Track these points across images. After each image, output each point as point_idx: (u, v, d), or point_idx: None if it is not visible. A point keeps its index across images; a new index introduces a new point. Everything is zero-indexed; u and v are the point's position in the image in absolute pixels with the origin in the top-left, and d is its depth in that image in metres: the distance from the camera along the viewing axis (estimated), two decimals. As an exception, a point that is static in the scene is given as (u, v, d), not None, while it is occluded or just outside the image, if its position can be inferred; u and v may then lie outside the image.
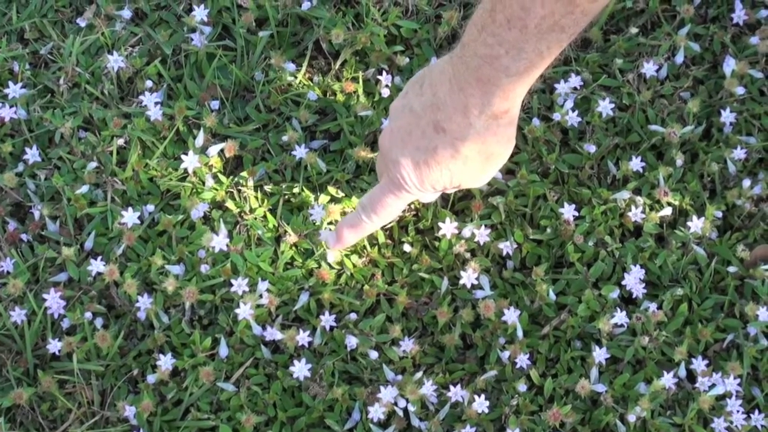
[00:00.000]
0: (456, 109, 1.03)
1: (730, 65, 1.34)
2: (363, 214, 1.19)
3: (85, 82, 1.36)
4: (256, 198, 1.29)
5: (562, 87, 1.32)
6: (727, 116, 1.32)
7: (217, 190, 1.29)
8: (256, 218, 1.28)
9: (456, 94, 1.02)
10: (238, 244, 1.25)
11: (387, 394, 1.19)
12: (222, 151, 1.29)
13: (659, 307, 1.24)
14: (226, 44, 1.38)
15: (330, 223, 1.26)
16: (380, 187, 1.16)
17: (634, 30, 1.38)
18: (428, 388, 1.19)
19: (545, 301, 1.24)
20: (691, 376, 1.23)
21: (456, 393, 1.19)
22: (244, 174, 1.29)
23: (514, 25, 0.93)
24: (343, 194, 1.29)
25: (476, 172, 1.09)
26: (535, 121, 1.31)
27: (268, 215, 1.28)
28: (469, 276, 1.23)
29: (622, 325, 1.23)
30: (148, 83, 1.35)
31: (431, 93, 1.06)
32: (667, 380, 1.19)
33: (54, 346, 1.21)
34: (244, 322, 1.21)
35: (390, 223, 1.27)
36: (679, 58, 1.36)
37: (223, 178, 1.29)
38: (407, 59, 1.36)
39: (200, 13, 1.35)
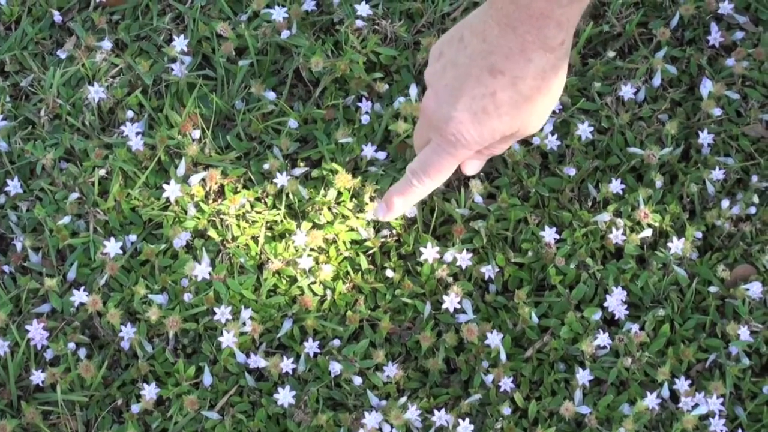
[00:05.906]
0: (512, 49, 1.01)
1: (706, 87, 1.35)
2: (414, 179, 1.15)
3: (66, 114, 1.36)
4: (238, 226, 1.29)
5: (541, 111, 1.33)
6: (705, 137, 1.33)
7: (199, 218, 1.29)
8: (238, 246, 1.28)
9: (510, 35, 1.01)
10: (220, 273, 1.25)
11: (371, 419, 1.19)
12: (204, 179, 1.30)
13: (641, 328, 1.24)
14: (206, 74, 1.39)
15: (313, 250, 1.27)
16: (432, 150, 1.12)
17: (611, 53, 1.39)
18: (413, 413, 1.19)
19: (528, 324, 1.25)
20: (675, 397, 1.23)
21: (440, 417, 1.19)
22: (226, 202, 1.30)
23: None
24: (326, 221, 1.29)
25: (535, 111, 1.06)
26: (515, 146, 1.32)
27: (251, 243, 1.28)
28: (451, 300, 1.24)
29: (604, 347, 1.23)
30: (129, 113, 1.35)
31: (479, 40, 1.03)
32: (651, 401, 1.19)
33: (37, 377, 1.21)
34: (228, 350, 1.21)
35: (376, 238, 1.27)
36: (657, 81, 1.37)
37: (205, 206, 1.30)
38: (386, 86, 1.36)
39: (180, 43, 1.36)
